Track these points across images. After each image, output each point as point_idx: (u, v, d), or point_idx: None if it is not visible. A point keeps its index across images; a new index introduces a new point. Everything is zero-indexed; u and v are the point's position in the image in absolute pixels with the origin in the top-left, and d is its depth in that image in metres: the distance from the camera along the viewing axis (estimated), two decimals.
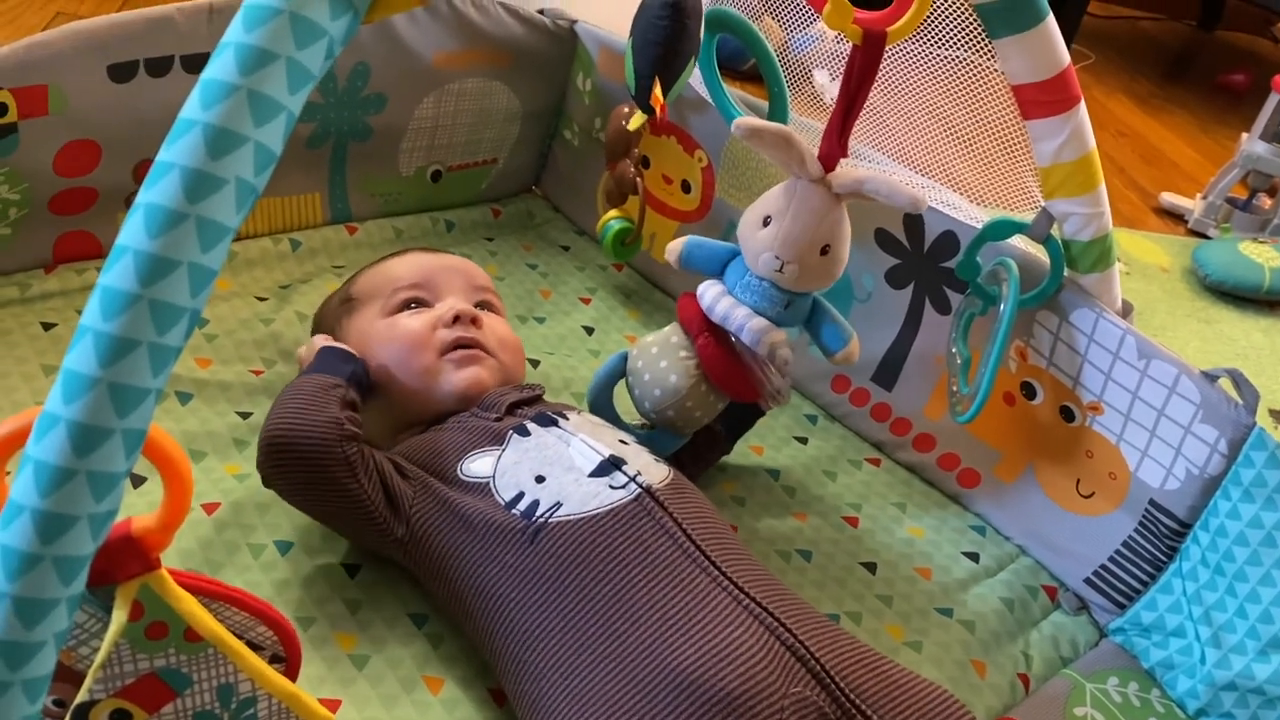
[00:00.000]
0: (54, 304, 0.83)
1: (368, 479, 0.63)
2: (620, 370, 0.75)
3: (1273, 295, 1.35)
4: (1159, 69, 2.35)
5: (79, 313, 0.81)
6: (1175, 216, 1.59)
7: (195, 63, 0.84)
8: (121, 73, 0.81)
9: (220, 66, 0.32)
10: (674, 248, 0.74)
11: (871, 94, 0.89)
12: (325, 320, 0.79)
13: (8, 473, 0.36)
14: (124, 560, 0.37)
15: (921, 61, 0.82)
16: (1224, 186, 1.54)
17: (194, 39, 0.83)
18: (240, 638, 0.41)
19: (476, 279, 0.79)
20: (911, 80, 0.85)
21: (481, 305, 0.77)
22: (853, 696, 0.54)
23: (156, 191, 0.32)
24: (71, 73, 0.78)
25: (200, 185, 0.32)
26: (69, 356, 0.32)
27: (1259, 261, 1.36)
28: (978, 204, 0.84)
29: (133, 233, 0.32)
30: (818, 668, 0.54)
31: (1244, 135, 1.53)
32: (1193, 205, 1.57)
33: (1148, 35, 2.55)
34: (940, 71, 0.82)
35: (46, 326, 0.81)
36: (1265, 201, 1.56)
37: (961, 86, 0.83)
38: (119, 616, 0.38)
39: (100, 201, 0.86)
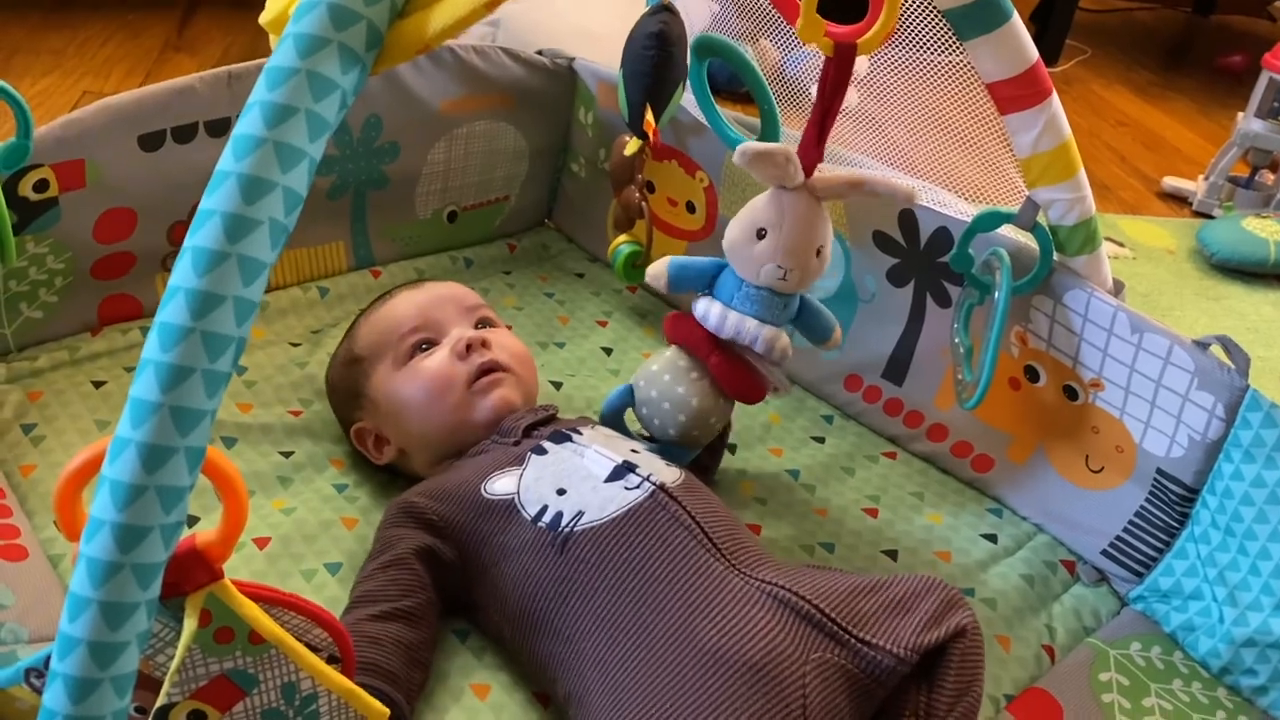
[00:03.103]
0: (102, 363, 0.88)
1: (437, 591, 0.67)
2: (628, 401, 0.78)
3: (1279, 268, 1.37)
4: (1157, 57, 2.38)
5: (126, 370, 0.88)
6: (1179, 200, 1.62)
7: (218, 127, 0.89)
8: (151, 142, 0.86)
9: (249, 123, 0.37)
10: (658, 274, 0.77)
11: (863, 98, 0.93)
12: (341, 387, 0.81)
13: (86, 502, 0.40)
14: (191, 572, 0.41)
15: (906, 64, 0.86)
16: (1224, 166, 1.56)
17: (216, 105, 0.89)
18: (299, 640, 0.45)
19: (467, 300, 0.82)
20: (898, 81, 0.89)
21: (481, 323, 0.81)
22: (857, 633, 0.58)
23: (201, 236, 0.36)
24: (105, 146, 0.84)
25: (238, 227, 0.36)
26: (134, 386, 0.36)
27: (1263, 236, 1.38)
28: (971, 198, 0.88)
29: (182, 274, 0.36)
30: (831, 625, 0.58)
31: (1240, 114, 1.55)
32: (1195, 187, 1.59)
33: (1144, 25, 2.58)
34: (925, 72, 0.86)
35: (97, 384, 0.86)
36: (1268, 177, 1.58)
37: (945, 84, 0.87)
38: (190, 624, 0.42)
39: (139, 265, 0.91)
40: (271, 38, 0.45)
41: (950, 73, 0.78)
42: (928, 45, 0.76)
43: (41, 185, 0.81)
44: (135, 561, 0.36)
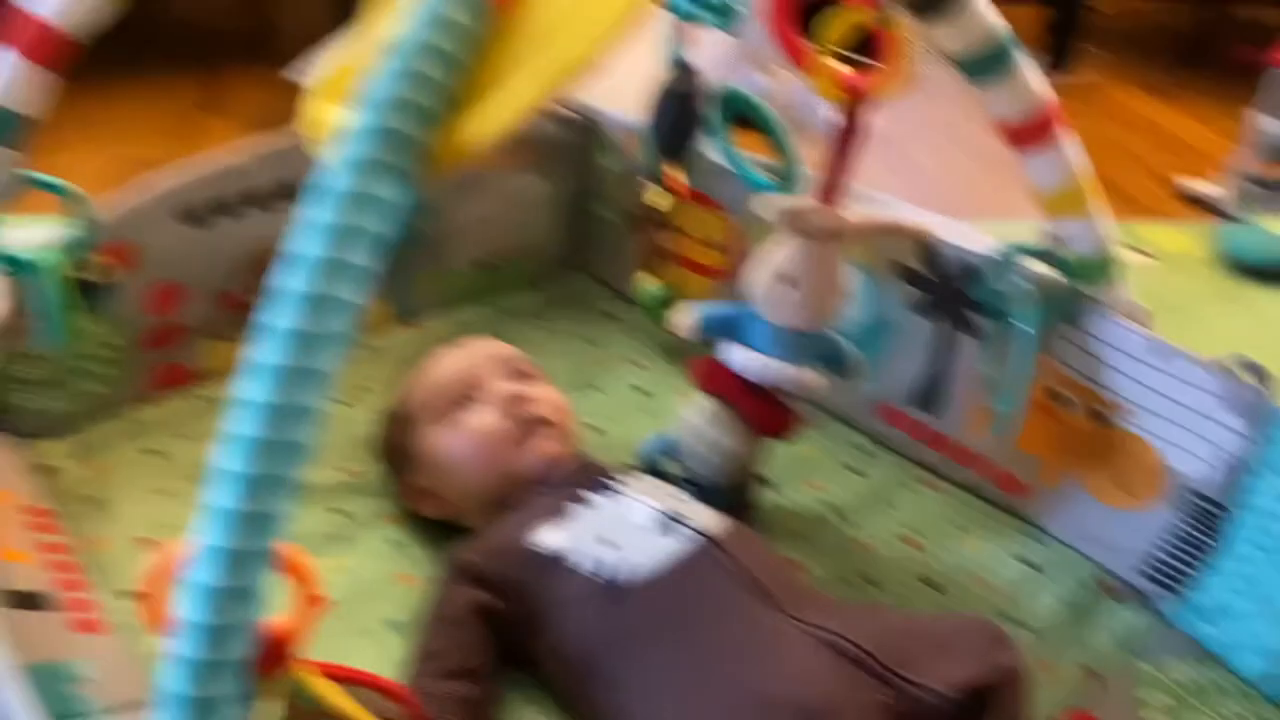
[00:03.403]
0: (158, 432, 0.91)
1: (496, 646, 0.69)
2: (669, 450, 0.81)
3: None
4: (1172, 54, 2.38)
5: (181, 438, 0.91)
6: (1202, 203, 1.62)
7: (260, 199, 0.93)
8: (196, 218, 0.90)
9: (308, 243, 0.40)
10: (689, 323, 0.79)
11: (886, 124, 0.95)
12: (391, 446, 0.84)
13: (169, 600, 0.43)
14: (270, 658, 0.44)
15: (928, 84, 0.88)
16: (1244, 167, 1.56)
17: (257, 178, 0.92)
18: (377, 715, 0.47)
19: (506, 355, 0.85)
20: (915, 98, 0.91)
21: (521, 377, 0.84)
22: (903, 673, 0.61)
23: (268, 352, 0.39)
24: (153, 225, 0.88)
25: (305, 343, 0.39)
26: (210, 494, 0.39)
27: None
28: (992, 214, 0.89)
29: (251, 388, 0.39)
30: (879, 668, 0.60)
31: (1253, 113, 1.55)
32: (1216, 189, 1.60)
33: (1157, 22, 2.58)
34: (940, 86, 0.88)
35: (155, 453, 0.89)
36: None
37: (960, 96, 0.88)
38: (269, 708, 0.44)
39: (189, 334, 0.94)
40: (314, 147, 0.48)
41: (959, 82, 0.79)
42: (939, 59, 0.78)
43: (97, 268, 0.85)
44: (222, 659, 0.38)
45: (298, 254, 0.40)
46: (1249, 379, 0.74)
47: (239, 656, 0.39)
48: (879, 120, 0.94)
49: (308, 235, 0.40)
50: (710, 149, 0.97)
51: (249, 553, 0.38)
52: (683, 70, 0.83)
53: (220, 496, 0.38)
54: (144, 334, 0.91)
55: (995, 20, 0.69)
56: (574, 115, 1.14)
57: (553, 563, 0.70)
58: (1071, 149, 0.74)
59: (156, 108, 1.62)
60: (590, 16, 0.42)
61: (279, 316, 0.39)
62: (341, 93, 0.47)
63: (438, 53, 0.43)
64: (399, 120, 0.42)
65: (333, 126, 0.45)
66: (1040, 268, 0.82)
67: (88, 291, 0.85)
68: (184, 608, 0.38)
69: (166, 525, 0.82)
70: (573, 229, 1.21)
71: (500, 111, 0.42)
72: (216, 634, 0.38)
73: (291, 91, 1.69)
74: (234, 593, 0.38)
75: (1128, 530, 0.83)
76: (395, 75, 0.42)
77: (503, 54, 0.43)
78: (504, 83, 0.43)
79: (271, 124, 1.64)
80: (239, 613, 0.38)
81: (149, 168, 1.41)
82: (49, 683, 0.63)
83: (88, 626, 0.70)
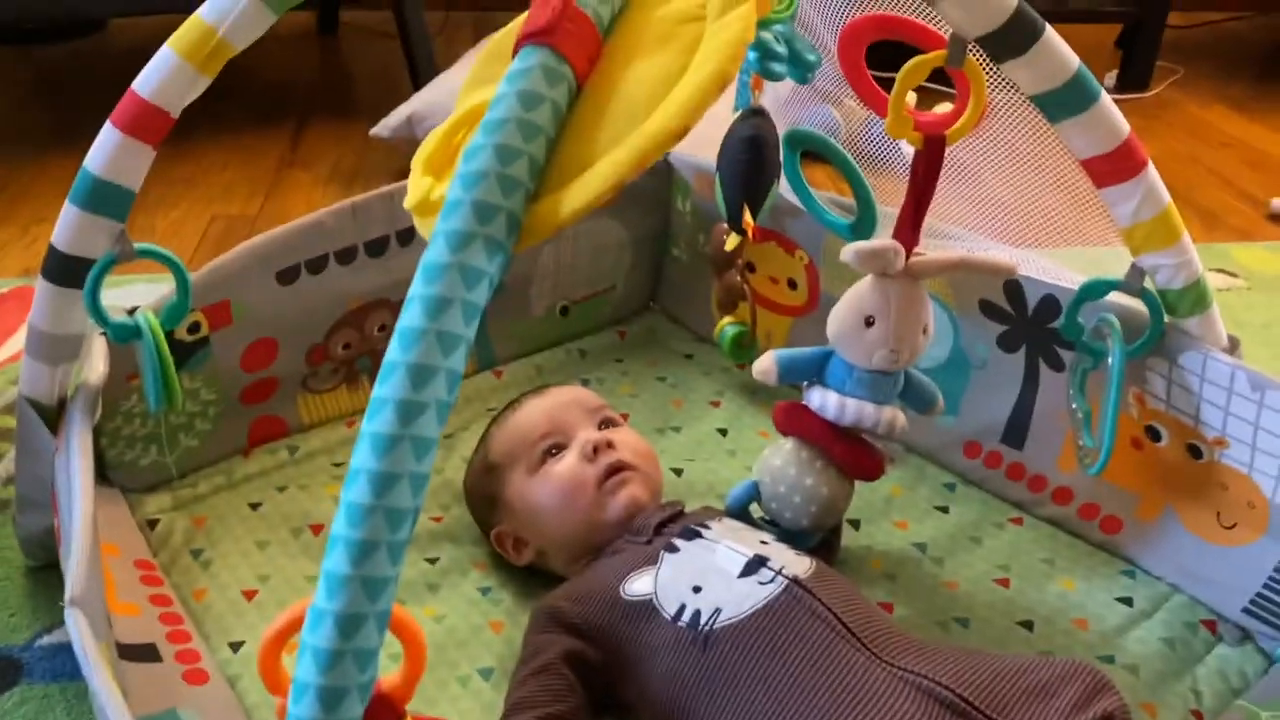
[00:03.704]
0: (256, 484, 0.95)
1: (587, 692, 0.69)
2: (754, 495, 0.81)
3: None
4: (1254, 68, 2.33)
5: (278, 490, 0.94)
6: None
7: (347, 256, 0.96)
8: (287, 276, 0.93)
9: (411, 316, 0.41)
10: (767, 369, 0.80)
11: (961, 154, 0.95)
12: (479, 494, 0.86)
13: (286, 658, 0.44)
14: (378, 716, 0.45)
15: (994, 105, 0.87)
16: None
17: (342, 236, 0.95)
18: None
19: (589, 403, 0.86)
20: (988, 124, 0.90)
21: (605, 424, 0.85)
22: (1001, 719, 0.60)
23: (376, 422, 0.41)
24: (246, 285, 0.91)
25: (410, 412, 0.40)
26: (327, 560, 0.40)
27: None
28: (1070, 241, 0.88)
29: (362, 457, 0.40)
30: (976, 714, 0.60)
31: None
32: None
33: (1236, 36, 2.53)
34: (1013, 111, 0.87)
35: (254, 506, 0.92)
36: None
37: (1034, 121, 0.87)
38: None
39: (282, 388, 0.98)
40: (416, 220, 0.50)
41: (1034, 108, 0.78)
42: (1012, 85, 0.77)
43: (194, 327, 0.89)
44: (338, 718, 0.40)
45: (403, 326, 0.41)
46: None
47: (353, 716, 0.40)
48: (954, 150, 0.94)
49: (410, 308, 0.41)
50: (784, 189, 0.98)
51: (362, 615, 0.39)
52: (753, 114, 0.84)
53: (335, 562, 0.40)
54: (241, 390, 0.95)
55: (1072, 58, 0.69)
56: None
57: (642, 609, 0.70)
58: (1155, 181, 0.73)
59: (247, 167, 1.68)
60: (677, 92, 0.43)
61: (385, 387, 0.41)
62: (440, 165, 0.49)
63: (525, 125, 0.44)
64: (490, 193, 0.43)
65: (433, 199, 0.47)
66: (1126, 300, 0.81)
67: (186, 351, 0.88)
68: (301, 669, 0.40)
69: (265, 576, 0.85)
70: (649, 271, 1.23)
71: (592, 186, 0.44)
72: (330, 695, 0.39)
73: (367, 143, 1.75)
74: (348, 655, 0.39)
75: (1231, 567, 0.81)
76: (486, 149, 0.43)
77: (593, 128, 0.45)
78: (593, 156, 0.44)
79: (350, 175, 1.69)
80: (352, 674, 0.40)
81: (243, 224, 1.47)
82: None
83: (196, 678, 0.73)
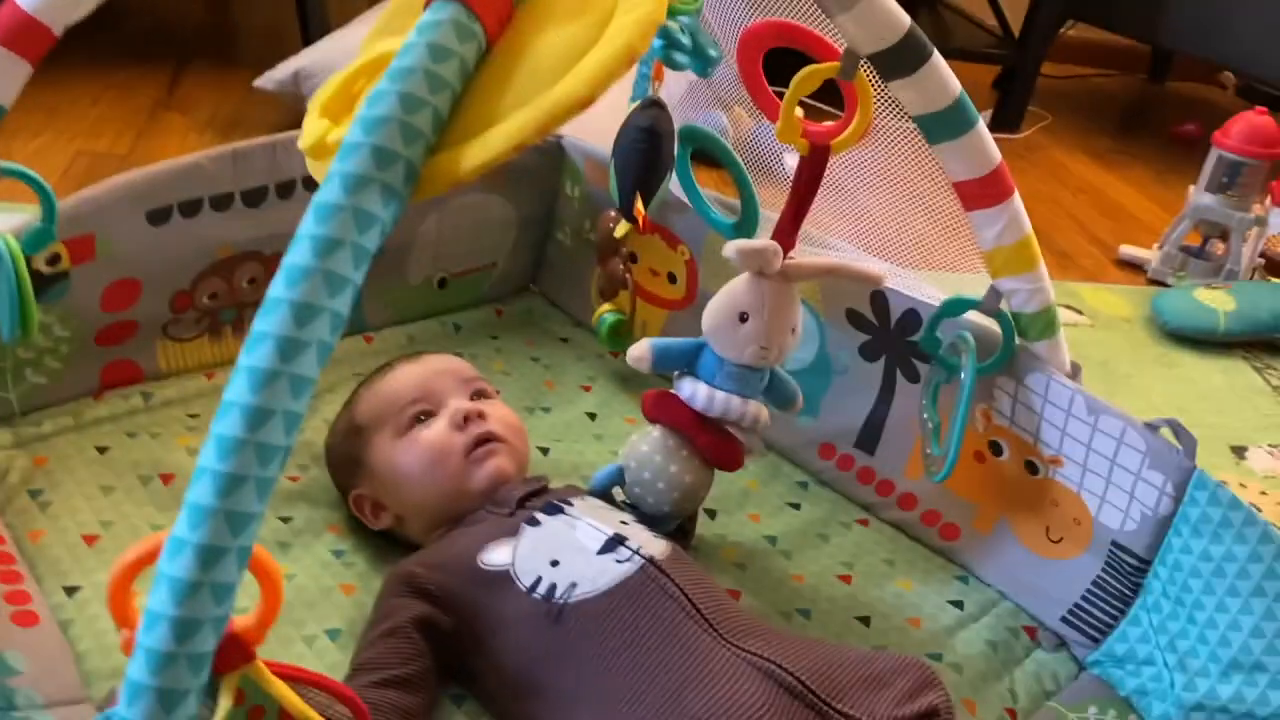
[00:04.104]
0: (105, 428, 0.91)
1: (435, 659, 0.69)
2: (617, 479, 0.82)
3: (1229, 337, 1.44)
4: (1115, 123, 2.48)
5: (128, 435, 0.91)
6: (1135, 267, 1.69)
7: (222, 202, 0.93)
8: (158, 216, 0.90)
9: (299, 253, 0.41)
10: (641, 356, 0.81)
11: (839, 172, 0.99)
12: (341, 455, 0.85)
13: (136, 592, 0.44)
14: (228, 655, 0.44)
15: (885, 136, 0.91)
16: (1177, 236, 1.63)
17: (220, 181, 0.93)
18: (323, 715, 0.48)
19: (464, 373, 0.86)
20: (867, 147, 0.94)
21: (477, 395, 0.85)
22: (838, 705, 0.63)
23: (255, 356, 0.40)
24: (115, 221, 0.88)
25: (290, 349, 0.40)
26: (191, 490, 0.40)
27: (1214, 307, 1.45)
28: (935, 265, 0.93)
29: (237, 390, 0.40)
30: (812, 697, 0.62)
31: (1191, 187, 1.63)
32: (1150, 256, 1.67)
33: (1102, 91, 2.68)
34: (891, 137, 0.91)
35: (101, 450, 0.88)
36: (1218, 248, 1.65)
37: (910, 149, 0.92)
38: (225, 703, 0.45)
39: (141, 332, 0.94)
40: (309, 161, 0.50)
41: (918, 140, 0.82)
42: (897, 111, 0.81)
43: (54, 259, 0.85)
44: (189, 651, 0.39)
45: (289, 263, 0.41)
46: (1173, 440, 0.78)
47: (205, 650, 0.39)
48: (836, 169, 0.98)
49: (298, 245, 0.41)
50: (673, 184, 1.00)
51: (224, 549, 0.39)
52: (653, 105, 0.85)
53: (200, 493, 0.39)
54: (97, 330, 0.91)
55: (955, 83, 0.72)
56: (543, 141, 1.16)
57: (498, 579, 0.71)
58: (1019, 210, 0.78)
59: (119, 104, 1.61)
60: (586, 62, 0.44)
61: (266, 321, 0.41)
62: (338, 110, 0.48)
63: (432, 77, 0.44)
64: (391, 139, 0.43)
65: (329, 142, 0.47)
66: (982, 320, 0.85)
67: (43, 282, 0.85)
68: (155, 599, 0.39)
69: (108, 522, 0.82)
70: (532, 252, 1.23)
71: (493, 143, 0.44)
72: (183, 626, 0.39)
73: (249, 94, 1.70)
74: (205, 587, 0.39)
75: (1054, 579, 0.86)
76: (390, 96, 0.44)
77: (498, 88, 0.45)
78: (497, 115, 0.45)
79: (228, 124, 1.64)
80: (208, 608, 0.39)
81: (111, 162, 1.41)
82: None
83: (25, 619, 0.70)
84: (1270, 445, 1.23)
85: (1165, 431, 0.79)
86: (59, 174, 1.36)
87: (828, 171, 0.80)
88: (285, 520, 0.85)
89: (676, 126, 0.88)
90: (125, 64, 1.75)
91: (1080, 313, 1.49)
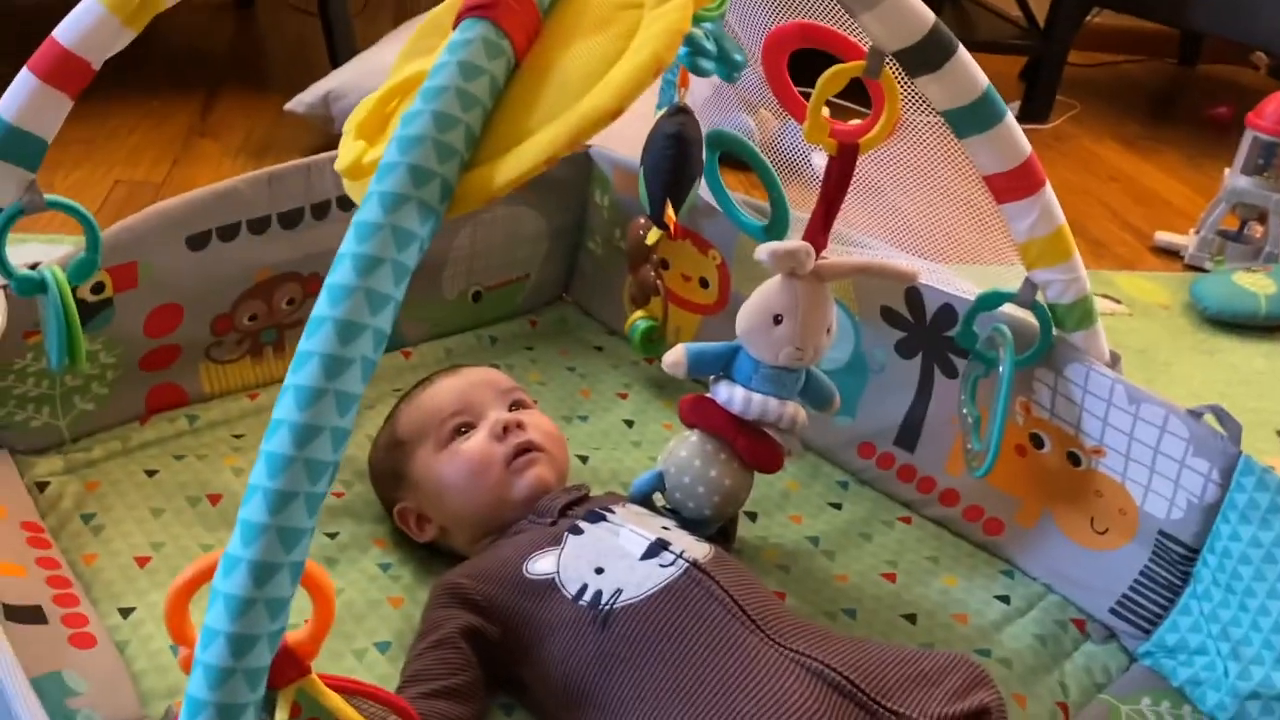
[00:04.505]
0: (152, 452, 0.93)
1: (484, 669, 0.70)
2: (657, 485, 0.83)
3: (1270, 320, 1.42)
4: (1145, 109, 2.45)
5: (175, 458, 0.92)
6: (1172, 254, 1.67)
7: (259, 225, 0.95)
8: (198, 241, 0.92)
9: (341, 273, 0.42)
10: (676, 361, 0.82)
11: (870, 169, 0.99)
12: (385, 469, 0.86)
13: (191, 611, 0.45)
14: (284, 669, 0.45)
15: (905, 125, 0.91)
16: (1214, 221, 1.62)
17: (256, 205, 0.94)
18: None
19: (501, 384, 0.87)
20: (897, 144, 0.94)
21: (515, 406, 0.86)
22: (887, 703, 0.63)
23: (301, 375, 0.41)
24: (155, 248, 0.89)
25: (335, 366, 0.41)
26: (243, 508, 0.41)
27: (1254, 290, 1.43)
28: (969, 259, 0.92)
29: (286, 409, 0.41)
30: (861, 696, 0.62)
31: (1226, 170, 1.61)
32: (1187, 241, 1.65)
33: (1131, 78, 2.65)
34: (923, 133, 0.91)
35: (150, 473, 0.90)
36: (1256, 230, 1.63)
37: (941, 144, 0.91)
38: (281, 716, 0.46)
39: (184, 356, 0.96)
40: (347, 183, 0.51)
41: (946, 133, 0.82)
42: (927, 107, 0.81)
43: (98, 287, 0.87)
44: (246, 667, 0.40)
45: (332, 282, 0.42)
46: (1216, 426, 0.77)
47: (262, 665, 0.40)
48: (865, 167, 0.98)
49: (340, 264, 0.42)
50: (702, 189, 1.00)
51: (276, 564, 0.40)
52: (679, 112, 0.86)
53: (252, 510, 0.40)
54: (142, 356, 0.93)
55: (981, 77, 0.72)
56: (571, 152, 1.17)
57: (543, 588, 0.72)
58: (1051, 200, 0.78)
59: (154, 133, 1.64)
60: (613, 74, 0.45)
61: (312, 341, 0.41)
62: (373, 131, 0.49)
63: (464, 95, 0.45)
64: (426, 158, 0.44)
65: (365, 163, 0.47)
66: (1018, 313, 0.85)
67: (88, 311, 0.86)
68: (212, 615, 0.40)
69: (159, 544, 0.83)
70: (565, 262, 1.24)
71: (525, 158, 0.45)
72: (239, 642, 0.40)
73: (280, 118, 1.72)
74: (260, 603, 0.40)
75: (1101, 570, 0.85)
76: (424, 115, 0.44)
77: (529, 103, 0.46)
78: (528, 130, 0.45)
79: (261, 148, 1.66)
80: (263, 623, 0.40)
81: (148, 190, 1.44)
82: (48, 695, 0.64)
83: (83, 641, 0.71)
84: None
85: (1209, 418, 0.78)
86: (98, 204, 1.38)
87: (857, 170, 0.80)
88: (331, 536, 0.86)
89: (713, 129, 0.88)
90: (158, 93, 1.78)
91: (1118, 301, 1.47)
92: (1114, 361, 0.84)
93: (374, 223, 0.42)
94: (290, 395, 0.41)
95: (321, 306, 0.42)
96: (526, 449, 0.81)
